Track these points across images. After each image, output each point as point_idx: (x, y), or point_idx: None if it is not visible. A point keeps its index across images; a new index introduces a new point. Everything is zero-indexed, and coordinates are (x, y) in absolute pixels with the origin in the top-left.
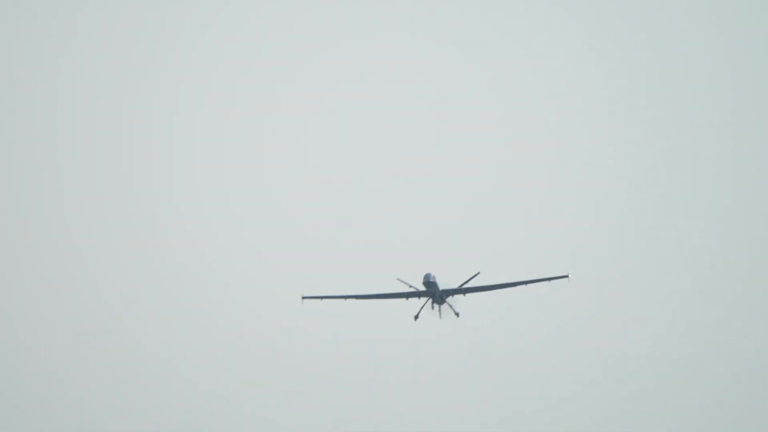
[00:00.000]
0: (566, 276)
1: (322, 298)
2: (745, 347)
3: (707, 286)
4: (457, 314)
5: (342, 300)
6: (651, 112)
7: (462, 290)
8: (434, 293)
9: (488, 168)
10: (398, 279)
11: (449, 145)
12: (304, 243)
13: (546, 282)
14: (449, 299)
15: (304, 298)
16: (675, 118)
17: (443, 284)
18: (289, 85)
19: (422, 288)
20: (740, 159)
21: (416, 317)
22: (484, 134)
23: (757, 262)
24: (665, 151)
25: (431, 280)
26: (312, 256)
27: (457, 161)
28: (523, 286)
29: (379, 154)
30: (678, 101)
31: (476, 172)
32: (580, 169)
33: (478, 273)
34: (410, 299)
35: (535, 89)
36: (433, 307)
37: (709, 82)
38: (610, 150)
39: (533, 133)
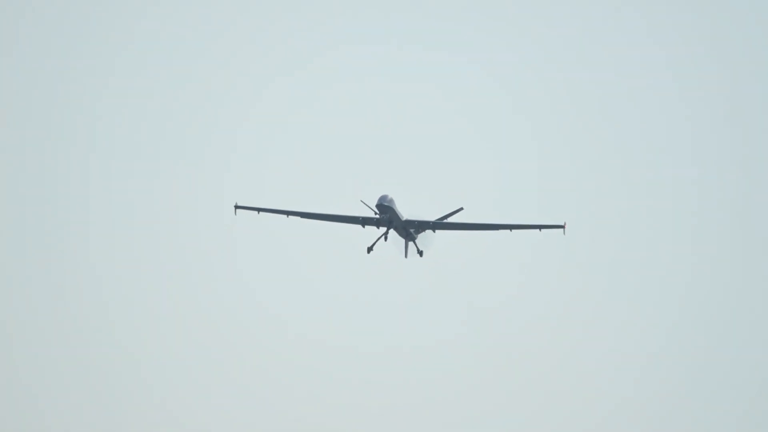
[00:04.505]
0: (562, 226)
1: (258, 210)
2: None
3: (709, 247)
4: (420, 253)
5: (284, 216)
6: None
7: (431, 224)
8: (391, 221)
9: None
10: (361, 201)
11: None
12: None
13: (537, 230)
14: (421, 234)
15: (237, 207)
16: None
17: (412, 214)
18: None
19: (378, 213)
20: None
21: (370, 249)
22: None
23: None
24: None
25: (385, 203)
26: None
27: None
28: (508, 232)
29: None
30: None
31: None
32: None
33: (462, 209)
34: (367, 227)
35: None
36: (386, 239)
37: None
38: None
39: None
